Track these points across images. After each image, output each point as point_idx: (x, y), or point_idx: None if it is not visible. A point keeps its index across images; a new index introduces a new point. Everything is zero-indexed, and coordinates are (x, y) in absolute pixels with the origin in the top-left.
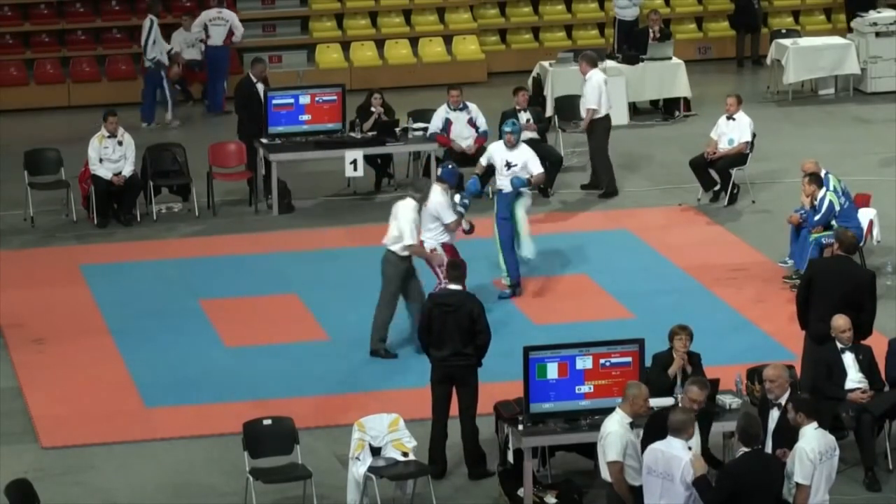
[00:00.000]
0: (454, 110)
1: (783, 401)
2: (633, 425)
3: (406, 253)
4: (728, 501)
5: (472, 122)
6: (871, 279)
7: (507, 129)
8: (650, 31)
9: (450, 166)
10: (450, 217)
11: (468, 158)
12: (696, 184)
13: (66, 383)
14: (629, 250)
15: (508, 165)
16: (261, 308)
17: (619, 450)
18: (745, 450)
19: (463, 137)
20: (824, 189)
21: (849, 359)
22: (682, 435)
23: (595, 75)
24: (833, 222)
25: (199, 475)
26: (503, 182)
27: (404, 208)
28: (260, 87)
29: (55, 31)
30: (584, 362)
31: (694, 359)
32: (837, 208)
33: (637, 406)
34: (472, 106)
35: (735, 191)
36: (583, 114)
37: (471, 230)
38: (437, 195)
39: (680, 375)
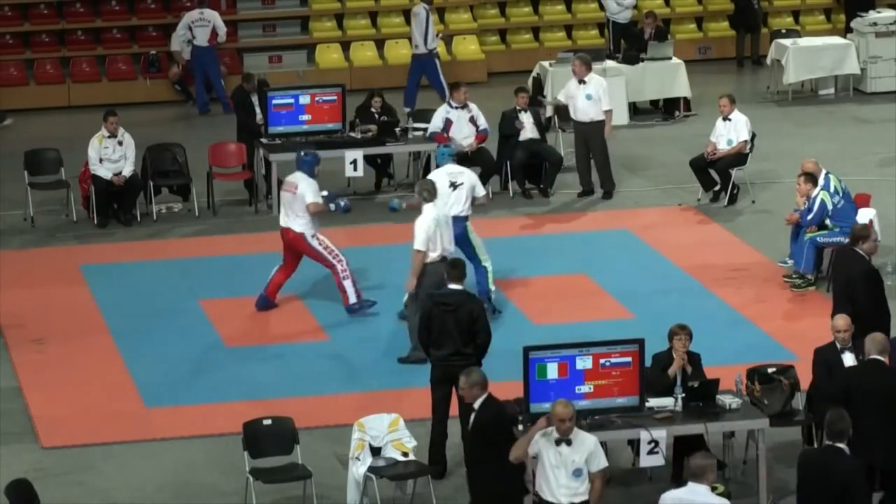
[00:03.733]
0: (455, 109)
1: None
2: (558, 441)
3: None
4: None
5: (472, 121)
6: (861, 273)
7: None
8: (645, 32)
9: (303, 153)
10: (311, 197)
11: (468, 158)
12: (696, 184)
13: (66, 383)
14: (629, 250)
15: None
16: None
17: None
18: (828, 443)
19: (464, 136)
20: (818, 188)
21: (849, 359)
22: (703, 480)
23: (597, 77)
24: (827, 221)
25: (199, 475)
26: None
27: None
28: (255, 98)
29: (55, 31)
30: (584, 362)
31: (694, 358)
32: (829, 207)
33: (563, 430)
34: (473, 105)
35: (735, 191)
36: (584, 117)
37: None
38: (303, 179)
39: (680, 375)
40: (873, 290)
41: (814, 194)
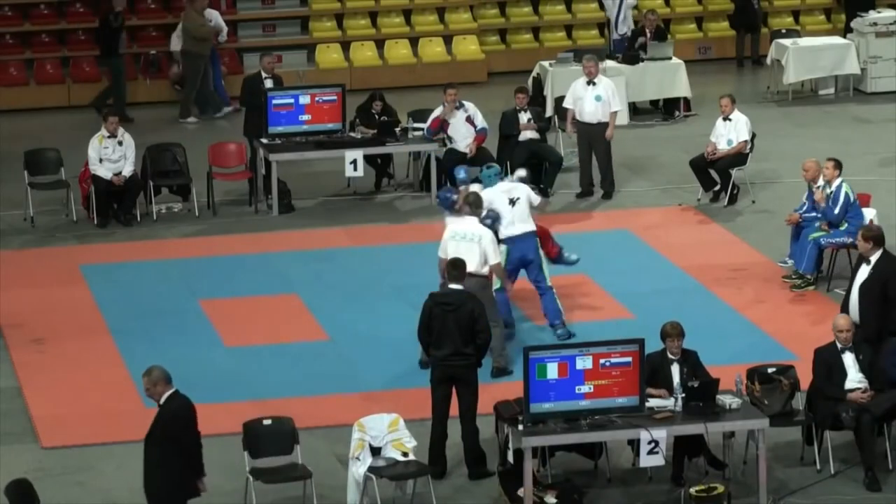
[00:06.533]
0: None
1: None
2: None
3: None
4: None
5: (469, 121)
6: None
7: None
8: (646, 31)
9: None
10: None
11: (465, 158)
12: (696, 184)
13: (66, 383)
14: (629, 250)
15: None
16: (261, 308)
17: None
18: None
19: (461, 136)
20: (840, 179)
21: (849, 359)
22: None
23: (605, 78)
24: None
25: None
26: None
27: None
28: (269, 82)
29: (55, 31)
30: (584, 362)
31: (691, 357)
32: (852, 200)
33: None
34: (469, 104)
35: (735, 191)
36: (591, 118)
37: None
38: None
39: (679, 375)
40: None
41: (835, 185)
